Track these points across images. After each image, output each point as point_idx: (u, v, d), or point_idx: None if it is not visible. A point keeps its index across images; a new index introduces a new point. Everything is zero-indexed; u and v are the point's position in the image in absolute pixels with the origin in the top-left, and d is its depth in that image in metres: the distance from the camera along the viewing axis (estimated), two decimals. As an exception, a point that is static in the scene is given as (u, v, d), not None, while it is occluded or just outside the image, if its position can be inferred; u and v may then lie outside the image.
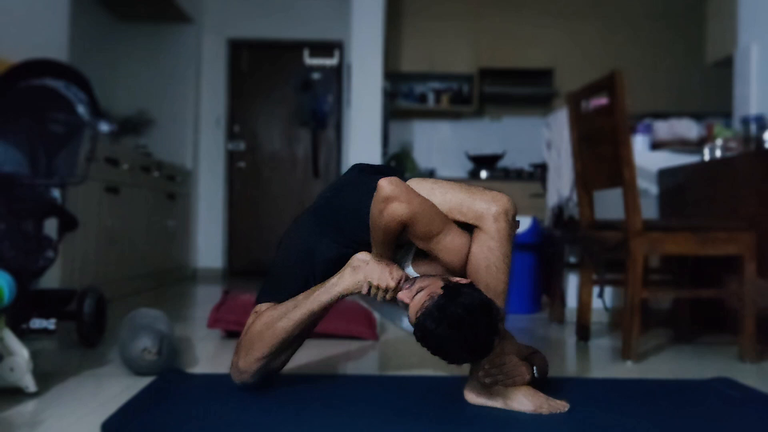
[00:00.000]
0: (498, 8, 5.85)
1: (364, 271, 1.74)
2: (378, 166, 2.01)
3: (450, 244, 1.72)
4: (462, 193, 1.73)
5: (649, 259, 3.08)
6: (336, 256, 1.81)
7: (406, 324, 1.86)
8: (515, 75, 5.94)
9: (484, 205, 1.72)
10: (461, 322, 1.54)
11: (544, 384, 1.81)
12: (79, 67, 2.65)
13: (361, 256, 1.77)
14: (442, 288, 1.61)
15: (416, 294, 1.65)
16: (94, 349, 2.50)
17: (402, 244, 1.82)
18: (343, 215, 1.82)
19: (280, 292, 1.84)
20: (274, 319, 1.76)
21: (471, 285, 1.66)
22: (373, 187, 1.69)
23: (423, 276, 1.74)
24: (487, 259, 1.72)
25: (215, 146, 6.15)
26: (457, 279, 1.68)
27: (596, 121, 2.66)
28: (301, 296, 1.78)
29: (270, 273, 1.92)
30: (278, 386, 1.86)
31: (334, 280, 1.77)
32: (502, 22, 5.83)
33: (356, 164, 1.98)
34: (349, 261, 1.78)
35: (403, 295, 1.68)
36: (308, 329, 1.83)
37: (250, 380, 1.80)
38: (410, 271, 1.82)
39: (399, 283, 1.72)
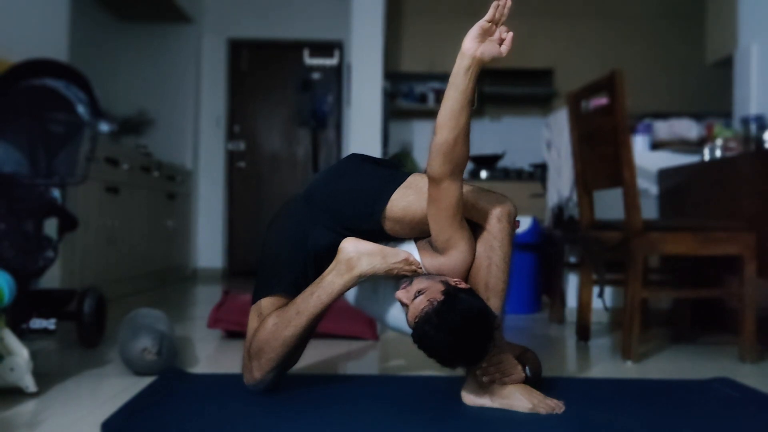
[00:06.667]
0: (498, 8, 5.84)
1: (360, 268, 1.72)
2: (378, 158, 2.01)
3: (462, 253, 1.72)
4: (467, 192, 1.73)
5: (649, 259, 3.07)
6: (330, 242, 1.78)
7: (393, 321, 1.86)
8: (515, 75, 5.93)
9: (489, 206, 1.73)
10: (459, 330, 1.56)
11: (538, 382, 1.82)
12: (79, 67, 2.65)
13: (351, 250, 1.73)
14: (441, 293, 1.61)
15: (415, 297, 1.65)
16: (94, 349, 2.50)
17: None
18: (341, 202, 1.80)
19: (277, 283, 1.82)
20: (279, 328, 1.74)
21: (470, 291, 1.67)
22: (377, 176, 1.69)
23: (421, 276, 1.73)
24: (489, 258, 1.73)
25: (215, 146, 6.15)
26: (456, 280, 1.68)
27: (596, 121, 2.66)
28: (299, 300, 1.75)
29: (263, 264, 1.88)
30: (279, 386, 1.85)
31: (329, 278, 1.74)
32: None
33: (354, 153, 1.96)
34: (339, 255, 1.74)
35: (401, 295, 1.68)
36: (314, 328, 1.83)
37: (266, 386, 1.80)
38: (415, 253, 1.79)
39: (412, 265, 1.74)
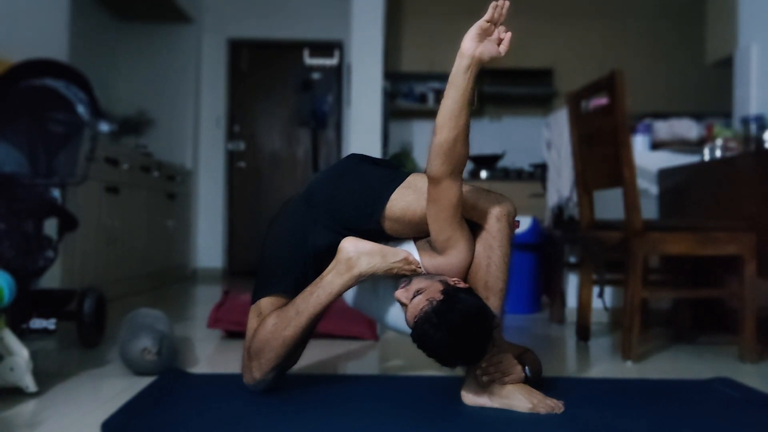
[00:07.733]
0: (498, 8, 5.83)
1: (360, 267, 1.72)
2: (378, 158, 2.01)
3: (461, 253, 1.72)
4: (466, 192, 1.74)
5: (649, 259, 3.07)
6: (330, 242, 1.79)
7: (392, 320, 1.86)
8: (515, 75, 5.93)
9: (488, 206, 1.74)
10: (458, 329, 1.56)
11: (538, 382, 1.81)
12: (79, 67, 2.65)
13: (350, 250, 1.74)
14: (441, 292, 1.61)
15: (414, 296, 1.65)
16: (94, 349, 2.50)
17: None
18: (341, 202, 1.81)
19: (277, 283, 1.82)
20: (279, 328, 1.74)
21: (469, 290, 1.67)
22: (376, 176, 1.70)
23: (420, 276, 1.73)
24: (488, 258, 1.73)
25: (215, 146, 6.15)
26: (455, 280, 1.68)
27: (596, 121, 2.66)
28: (299, 299, 1.76)
29: (263, 264, 1.88)
30: (278, 386, 1.86)
31: (329, 277, 1.74)
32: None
33: (354, 153, 1.97)
34: (338, 255, 1.75)
35: (400, 295, 1.68)
36: (313, 328, 1.83)
37: (266, 386, 1.80)
38: (414, 253, 1.80)
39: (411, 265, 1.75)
